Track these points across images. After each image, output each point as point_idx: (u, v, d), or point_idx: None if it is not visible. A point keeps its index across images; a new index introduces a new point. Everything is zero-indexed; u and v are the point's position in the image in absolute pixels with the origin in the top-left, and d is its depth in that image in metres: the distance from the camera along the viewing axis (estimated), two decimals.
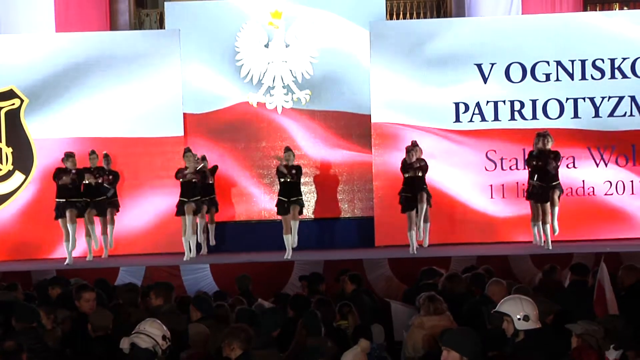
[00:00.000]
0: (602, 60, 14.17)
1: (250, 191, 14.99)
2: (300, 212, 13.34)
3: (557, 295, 7.81)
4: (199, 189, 13.32)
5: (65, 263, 12.90)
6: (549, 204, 12.64)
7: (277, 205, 13.28)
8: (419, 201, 12.92)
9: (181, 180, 13.21)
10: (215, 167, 14.33)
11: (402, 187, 13.11)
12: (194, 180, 13.17)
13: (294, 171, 13.16)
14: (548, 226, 12.68)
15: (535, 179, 12.78)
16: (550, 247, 12.46)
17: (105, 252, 13.77)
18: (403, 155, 13.23)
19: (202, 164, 13.75)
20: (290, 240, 13.00)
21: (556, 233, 12.61)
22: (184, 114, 14.56)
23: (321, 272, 10.76)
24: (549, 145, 12.69)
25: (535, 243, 13.08)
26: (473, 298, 7.96)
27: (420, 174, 13.01)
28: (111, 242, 13.91)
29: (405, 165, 13.05)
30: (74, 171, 13.16)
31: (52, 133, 14.25)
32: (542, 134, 12.82)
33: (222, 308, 7.77)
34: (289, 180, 13.12)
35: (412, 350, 6.97)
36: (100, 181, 13.50)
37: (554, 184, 12.68)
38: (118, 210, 13.97)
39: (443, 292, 7.89)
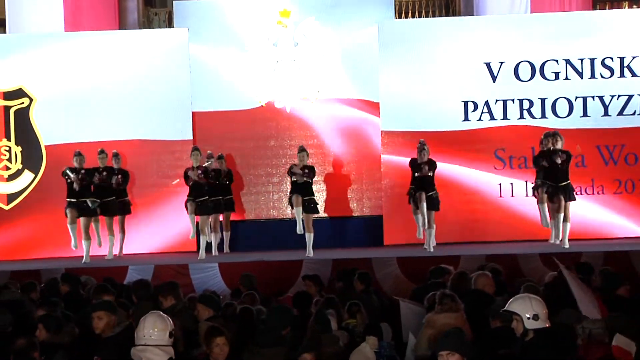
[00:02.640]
0: (612, 58, 14.14)
1: (259, 190, 15.00)
2: (314, 212, 13.07)
3: (562, 293, 7.81)
4: (205, 188, 13.23)
5: (72, 246, 13.04)
6: (560, 201, 12.59)
7: (290, 203, 13.16)
8: (419, 200, 12.88)
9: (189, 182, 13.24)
10: (230, 173, 14.10)
11: (411, 186, 13.09)
12: (200, 180, 13.14)
13: (307, 171, 13.05)
14: (560, 223, 12.61)
15: (544, 179, 12.71)
16: (567, 246, 12.41)
17: (110, 254, 13.48)
18: (412, 153, 13.22)
19: (209, 162, 13.54)
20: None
21: (566, 246, 12.48)
22: (193, 112, 14.57)
23: (330, 271, 10.73)
24: (559, 145, 12.65)
25: (545, 224, 12.88)
26: (483, 296, 7.95)
27: (430, 174, 12.97)
28: (119, 251, 13.63)
29: (415, 164, 13.02)
30: (83, 171, 13.13)
31: (61, 133, 14.29)
32: (551, 134, 12.76)
33: (231, 307, 7.78)
34: (302, 180, 13.00)
35: (425, 347, 6.95)
36: (111, 181, 13.43)
37: (563, 183, 12.64)
38: (130, 212, 13.76)
39: (451, 290, 7.87)
